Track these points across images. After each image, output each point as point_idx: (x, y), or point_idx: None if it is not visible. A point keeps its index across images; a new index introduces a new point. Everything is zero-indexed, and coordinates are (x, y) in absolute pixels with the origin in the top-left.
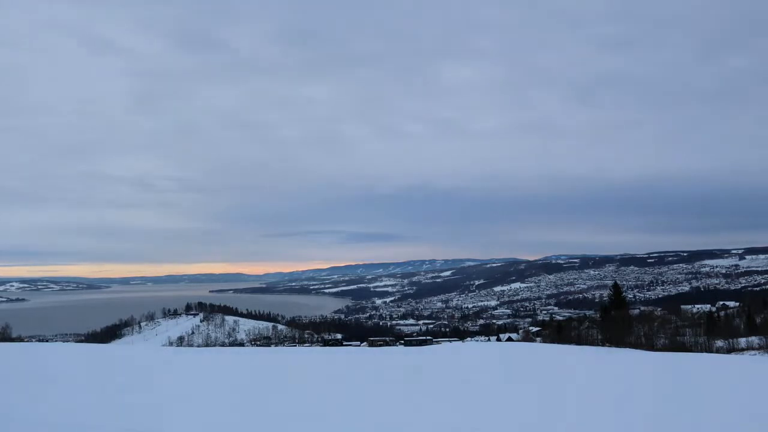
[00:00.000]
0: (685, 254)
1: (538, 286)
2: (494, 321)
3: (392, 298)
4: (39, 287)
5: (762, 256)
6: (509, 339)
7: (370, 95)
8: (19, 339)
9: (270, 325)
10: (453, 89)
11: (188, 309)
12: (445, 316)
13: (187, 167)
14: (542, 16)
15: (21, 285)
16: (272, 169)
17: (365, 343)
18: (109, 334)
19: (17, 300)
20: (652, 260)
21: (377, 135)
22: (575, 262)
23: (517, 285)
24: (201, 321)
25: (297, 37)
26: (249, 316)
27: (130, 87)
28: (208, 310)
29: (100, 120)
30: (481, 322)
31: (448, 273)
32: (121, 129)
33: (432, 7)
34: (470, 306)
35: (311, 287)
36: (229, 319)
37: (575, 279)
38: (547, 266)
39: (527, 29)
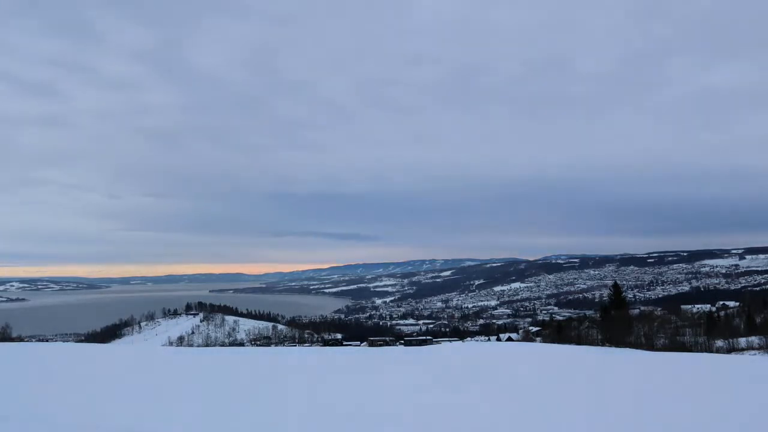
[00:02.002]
0: (685, 254)
1: (538, 286)
2: (494, 321)
3: (392, 298)
4: (39, 287)
5: (762, 256)
6: (509, 339)
7: None
8: (19, 339)
9: (270, 325)
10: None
11: (188, 309)
12: (445, 316)
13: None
14: None
15: (21, 285)
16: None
17: (365, 342)
18: (109, 334)
19: (17, 300)
20: (652, 260)
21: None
22: (575, 262)
23: (517, 285)
24: (201, 321)
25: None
26: (249, 316)
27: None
28: (208, 310)
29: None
30: (481, 322)
31: (448, 273)
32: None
33: None
34: (470, 306)
35: (311, 287)
36: (229, 319)
37: (575, 279)
38: (547, 266)
39: None
